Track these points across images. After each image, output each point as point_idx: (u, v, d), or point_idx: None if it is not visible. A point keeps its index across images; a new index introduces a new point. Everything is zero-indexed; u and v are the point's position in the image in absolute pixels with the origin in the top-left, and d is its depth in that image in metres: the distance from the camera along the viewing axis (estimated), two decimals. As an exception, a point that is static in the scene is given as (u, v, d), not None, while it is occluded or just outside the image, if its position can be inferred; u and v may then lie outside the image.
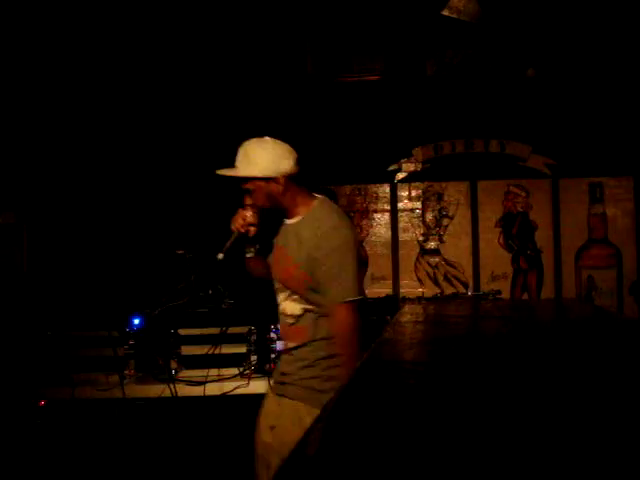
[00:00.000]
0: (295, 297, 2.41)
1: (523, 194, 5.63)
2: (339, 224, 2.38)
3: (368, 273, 5.71)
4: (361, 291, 2.38)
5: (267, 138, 2.46)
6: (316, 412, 2.33)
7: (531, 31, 5.37)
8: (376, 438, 0.85)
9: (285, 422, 2.36)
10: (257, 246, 2.59)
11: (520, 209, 5.64)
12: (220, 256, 2.44)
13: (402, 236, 5.71)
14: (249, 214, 2.49)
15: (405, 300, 5.12)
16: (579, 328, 2.22)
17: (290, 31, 5.43)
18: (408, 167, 5.70)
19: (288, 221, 2.49)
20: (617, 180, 5.57)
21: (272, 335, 3.20)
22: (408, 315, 2.56)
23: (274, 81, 5.47)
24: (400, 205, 5.72)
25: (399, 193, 5.73)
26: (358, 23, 5.48)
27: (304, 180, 2.48)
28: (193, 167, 5.05)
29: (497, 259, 5.62)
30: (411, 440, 0.84)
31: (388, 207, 5.72)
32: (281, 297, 2.49)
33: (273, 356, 3.17)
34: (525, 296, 5.60)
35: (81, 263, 4.96)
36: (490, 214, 5.65)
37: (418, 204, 5.71)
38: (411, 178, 5.70)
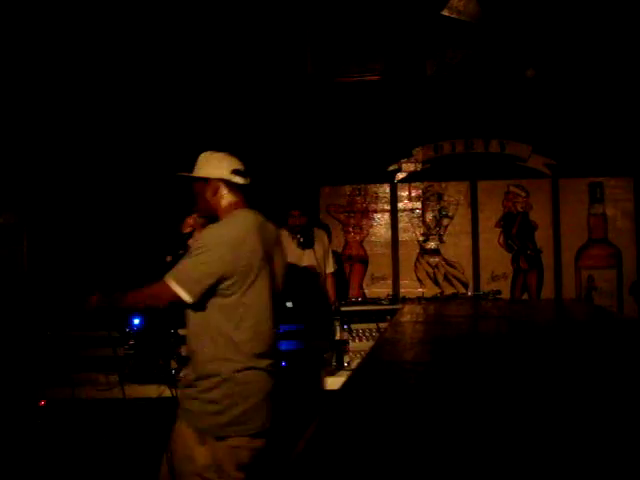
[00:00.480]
0: None
1: (523, 194, 5.63)
2: (219, 227, 2.45)
3: (368, 273, 5.72)
4: (186, 287, 2.32)
5: (223, 153, 2.64)
6: (193, 434, 2.39)
7: (531, 31, 5.37)
8: (376, 437, 0.84)
9: (174, 439, 2.41)
10: None
11: (520, 209, 5.63)
12: (168, 259, 2.60)
13: (402, 236, 5.71)
14: (192, 217, 2.73)
15: (405, 300, 5.11)
16: (579, 328, 2.22)
17: (290, 31, 5.43)
18: (408, 167, 5.70)
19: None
20: (617, 180, 5.57)
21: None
22: (408, 315, 2.56)
23: (274, 81, 5.47)
24: (400, 205, 5.72)
25: (399, 193, 5.72)
26: (358, 23, 5.48)
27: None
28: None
29: (497, 259, 5.62)
30: (411, 440, 0.84)
31: (388, 207, 5.72)
32: None
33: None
34: (525, 296, 5.60)
35: (81, 263, 4.96)
36: (490, 214, 5.65)
37: (418, 204, 5.71)
38: (411, 178, 5.70)
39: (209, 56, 5.35)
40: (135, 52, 5.12)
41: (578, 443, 0.80)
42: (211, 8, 5.10)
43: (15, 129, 4.65)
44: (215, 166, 2.58)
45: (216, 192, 2.56)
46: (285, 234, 4.49)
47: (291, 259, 4.41)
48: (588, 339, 1.82)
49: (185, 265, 2.36)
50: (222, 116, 5.33)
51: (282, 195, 4.95)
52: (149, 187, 5.29)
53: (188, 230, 2.75)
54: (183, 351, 3.34)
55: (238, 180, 2.56)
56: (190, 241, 2.71)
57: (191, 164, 2.66)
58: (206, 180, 2.56)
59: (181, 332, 3.36)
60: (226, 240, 2.39)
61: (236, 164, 2.60)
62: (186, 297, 2.34)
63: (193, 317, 2.42)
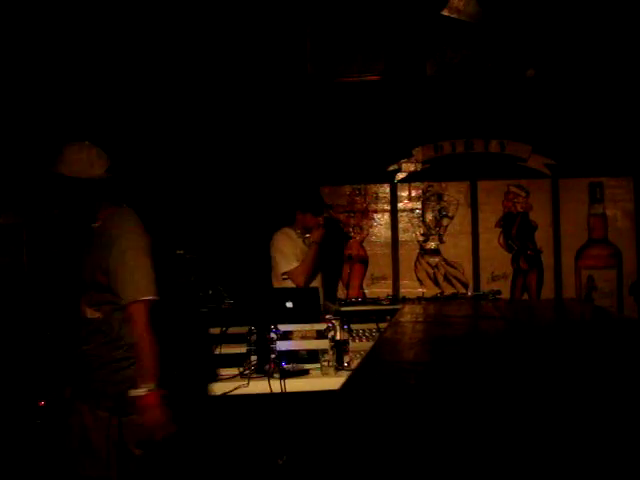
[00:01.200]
0: (91, 300, 2.53)
1: (523, 194, 5.63)
2: (132, 229, 2.52)
3: (368, 273, 5.72)
4: (151, 291, 2.43)
5: (86, 143, 2.59)
6: (104, 414, 2.43)
7: (531, 31, 5.37)
8: (375, 437, 0.85)
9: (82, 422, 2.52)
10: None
11: (520, 209, 5.63)
12: None
13: (402, 236, 5.71)
14: (55, 211, 2.77)
15: (405, 300, 5.12)
16: (579, 328, 2.22)
17: (290, 31, 5.43)
18: (408, 167, 5.70)
19: (94, 225, 2.64)
20: (617, 180, 5.57)
21: (272, 335, 3.20)
22: (408, 315, 2.56)
23: (274, 81, 5.47)
24: (400, 205, 5.72)
25: (399, 193, 5.72)
26: (358, 23, 5.48)
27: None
28: (194, 167, 5.05)
29: (497, 259, 5.62)
30: (410, 440, 0.84)
31: (388, 207, 5.72)
32: (83, 300, 2.58)
33: (273, 356, 3.17)
34: (525, 296, 5.59)
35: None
36: (490, 214, 5.65)
37: (418, 204, 5.70)
38: (411, 178, 5.70)
39: (209, 56, 5.35)
40: (134, 53, 5.12)
41: (578, 443, 0.80)
42: (210, 8, 5.10)
43: (15, 129, 4.65)
44: (90, 165, 2.53)
45: (93, 192, 2.55)
46: (291, 232, 4.47)
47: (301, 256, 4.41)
48: (588, 339, 1.83)
49: (138, 278, 2.42)
50: (222, 116, 5.32)
51: (286, 195, 4.95)
52: (149, 185, 5.29)
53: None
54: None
55: (107, 176, 2.57)
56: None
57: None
58: (79, 179, 2.51)
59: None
60: (137, 234, 2.51)
61: (105, 160, 2.58)
62: (155, 297, 2.44)
63: (110, 307, 2.49)
